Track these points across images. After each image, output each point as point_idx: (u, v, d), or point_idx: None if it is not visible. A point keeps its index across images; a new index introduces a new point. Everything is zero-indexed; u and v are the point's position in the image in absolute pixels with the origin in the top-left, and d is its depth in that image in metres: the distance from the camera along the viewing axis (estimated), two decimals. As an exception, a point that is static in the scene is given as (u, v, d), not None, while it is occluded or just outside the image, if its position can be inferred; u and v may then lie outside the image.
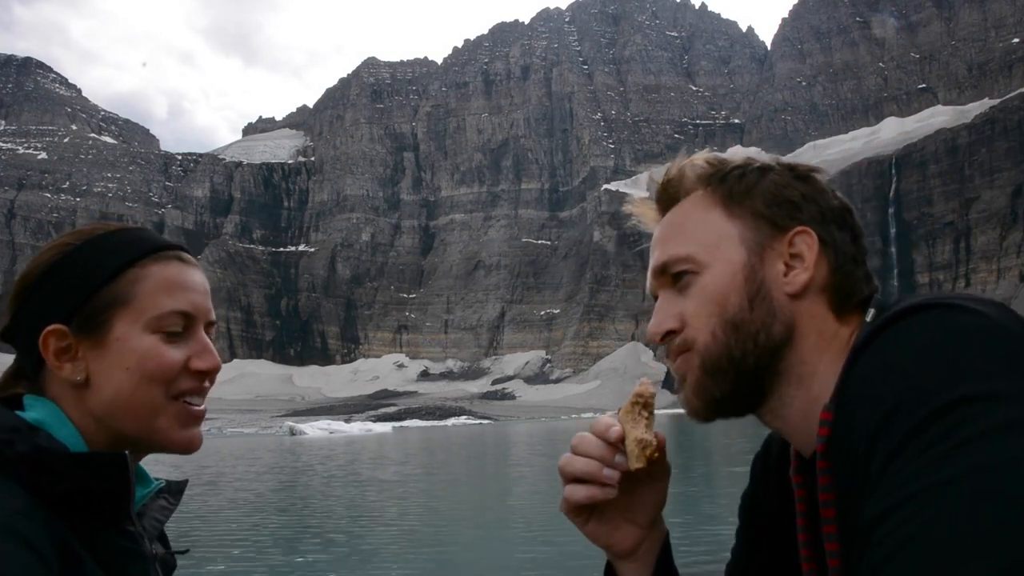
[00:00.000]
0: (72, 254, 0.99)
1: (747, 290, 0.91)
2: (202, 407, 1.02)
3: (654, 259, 0.98)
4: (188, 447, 1.00)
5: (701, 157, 1.00)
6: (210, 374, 1.01)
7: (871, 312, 0.88)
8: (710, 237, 0.94)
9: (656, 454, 0.92)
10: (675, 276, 0.95)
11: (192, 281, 1.02)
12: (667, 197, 1.01)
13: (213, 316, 1.05)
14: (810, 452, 0.90)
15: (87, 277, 0.98)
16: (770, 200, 0.94)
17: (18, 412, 0.94)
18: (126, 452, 0.92)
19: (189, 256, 1.05)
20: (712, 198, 0.96)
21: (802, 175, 0.96)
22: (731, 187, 0.96)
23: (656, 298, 0.99)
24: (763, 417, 0.94)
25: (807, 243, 0.91)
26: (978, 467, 0.60)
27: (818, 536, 0.87)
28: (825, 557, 0.82)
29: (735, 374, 0.90)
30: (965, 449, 0.62)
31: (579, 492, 0.94)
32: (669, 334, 0.94)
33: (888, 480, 0.65)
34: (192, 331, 1.01)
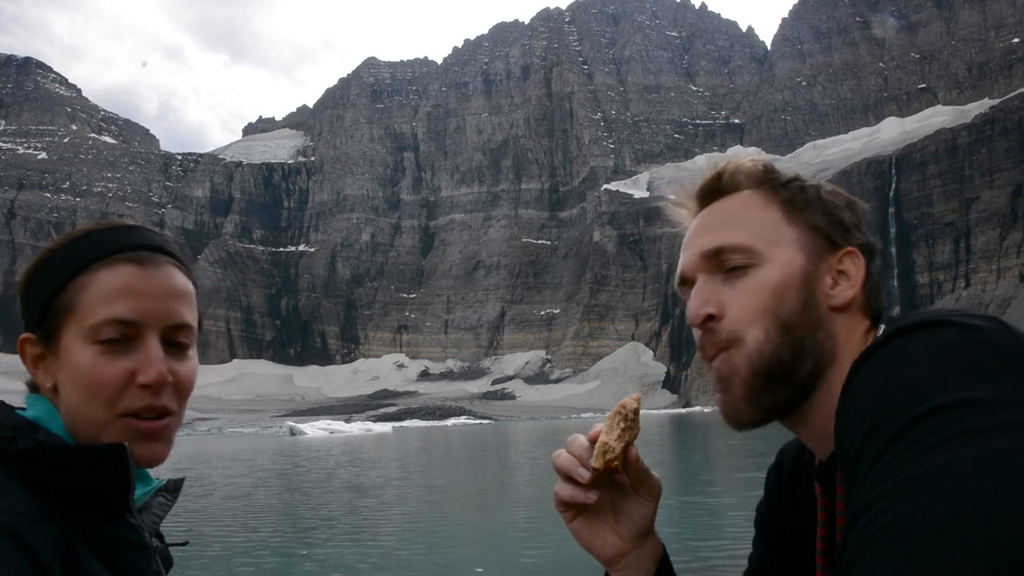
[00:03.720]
0: (44, 260, 0.98)
1: (802, 294, 0.92)
2: (159, 422, 0.96)
3: (703, 242, 0.97)
4: (142, 464, 0.96)
5: (756, 160, 1.03)
6: (153, 388, 0.94)
7: (882, 328, 0.93)
8: (769, 234, 0.95)
9: (616, 462, 0.94)
10: (727, 263, 0.95)
11: (143, 285, 0.95)
12: (715, 189, 1.02)
13: (179, 320, 0.98)
14: (824, 457, 0.94)
15: (47, 285, 0.97)
16: (829, 218, 0.96)
17: (19, 410, 0.96)
18: (126, 444, 0.91)
19: (153, 256, 0.98)
20: (769, 198, 0.98)
21: (849, 201, 0.99)
22: (792, 194, 0.98)
23: (685, 282, 1.00)
24: (793, 428, 0.95)
25: (856, 263, 0.95)
26: (958, 461, 0.62)
27: (834, 543, 0.89)
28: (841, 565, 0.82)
29: (785, 379, 0.90)
30: (946, 446, 0.64)
31: (564, 490, 0.99)
32: (708, 319, 0.94)
33: (871, 478, 0.68)
34: (139, 340, 0.95)
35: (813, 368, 0.90)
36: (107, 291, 0.94)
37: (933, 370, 0.71)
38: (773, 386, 0.90)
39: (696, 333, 0.96)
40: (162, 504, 1.03)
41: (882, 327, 0.93)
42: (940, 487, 0.61)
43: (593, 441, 0.97)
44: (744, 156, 0.99)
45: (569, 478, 0.98)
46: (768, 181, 0.99)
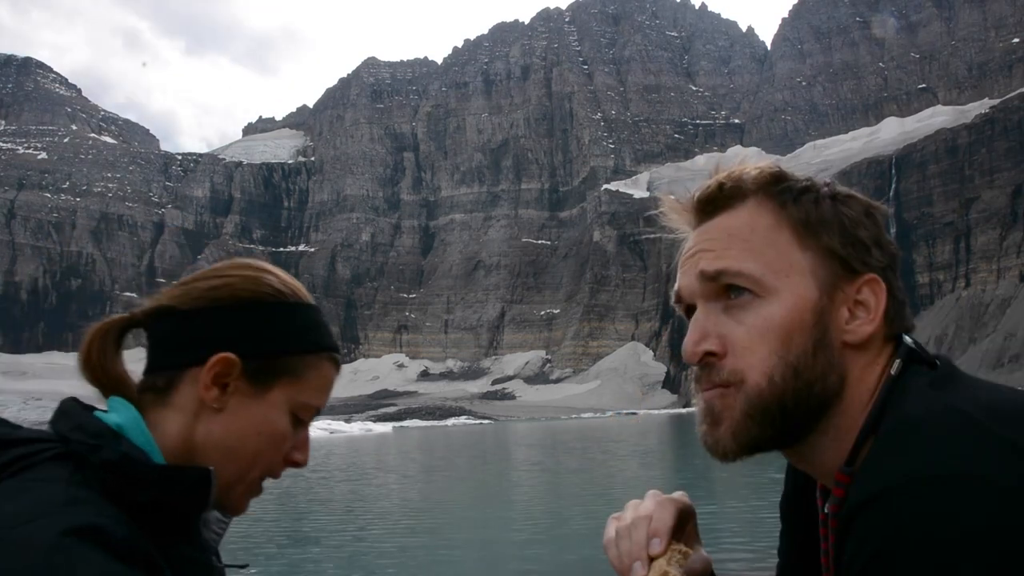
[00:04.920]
0: (286, 306, 1.00)
1: (814, 333, 0.83)
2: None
3: (704, 263, 0.87)
4: (236, 513, 1.02)
5: (763, 166, 0.90)
6: (297, 466, 1.03)
7: (897, 364, 0.84)
8: (780, 262, 0.84)
9: None
10: (730, 289, 0.85)
11: (332, 384, 1.05)
12: (718, 200, 0.90)
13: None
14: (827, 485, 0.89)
15: (290, 337, 0.99)
16: (845, 238, 0.85)
17: (97, 413, 0.94)
18: (211, 468, 0.93)
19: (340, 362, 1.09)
20: (780, 217, 0.86)
21: (869, 211, 0.88)
22: (806, 212, 0.86)
23: (682, 304, 0.90)
24: (788, 456, 0.90)
25: (876, 293, 0.85)
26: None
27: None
28: None
29: (781, 421, 0.83)
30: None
31: None
32: (708, 355, 0.85)
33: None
34: (305, 424, 1.04)
35: (811, 408, 0.83)
36: (324, 382, 1.03)
37: (929, 457, 0.70)
38: (764, 425, 0.84)
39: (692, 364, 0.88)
40: (219, 521, 1.04)
41: (897, 362, 0.84)
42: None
43: (651, 553, 0.90)
44: (747, 157, 0.91)
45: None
46: (778, 194, 0.87)
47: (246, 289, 0.98)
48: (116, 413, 0.94)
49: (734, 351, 0.83)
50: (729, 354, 0.84)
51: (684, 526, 0.93)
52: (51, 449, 0.87)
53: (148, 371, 0.98)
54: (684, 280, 0.89)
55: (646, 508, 0.93)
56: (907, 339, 0.87)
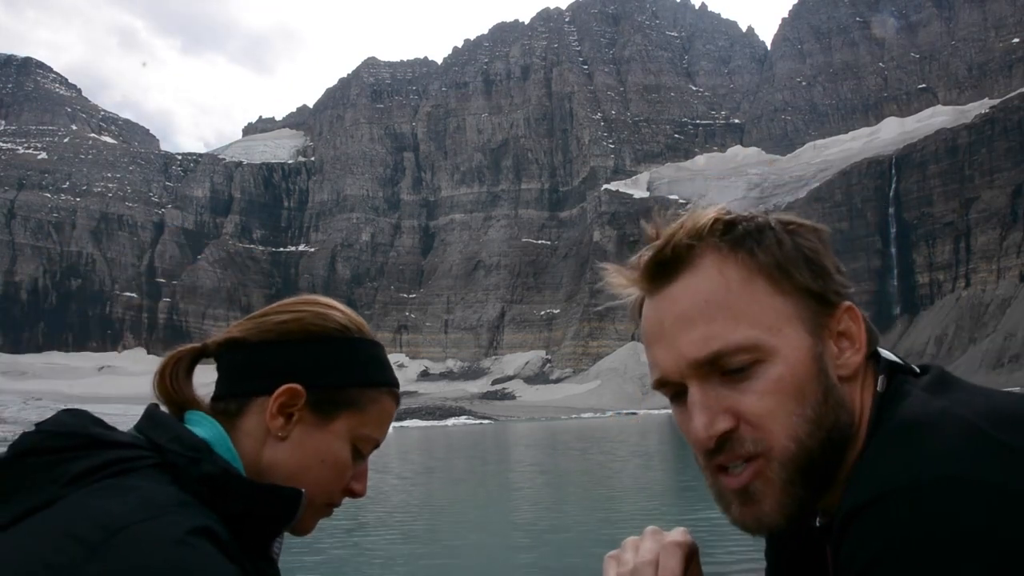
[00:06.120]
0: (350, 341, 1.06)
1: (820, 380, 0.80)
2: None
3: (692, 346, 0.80)
4: (303, 534, 1.06)
5: (711, 213, 0.84)
6: (357, 496, 1.10)
7: (881, 379, 0.83)
8: (767, 317, 0.79)
9: None
10: (728, 366, 0.79)
11: (392, 420, 1.12)
12: (676, 260, 0.83)
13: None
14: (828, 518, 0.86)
15: (354, 371, 1.05)
16: (814, 271, 0.82)
17: (187, 425, 0.98)
18: (303, 490, 0.98)
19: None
20: (750, 267, 0.81)
21: (819, 235, 0.84)
22: (774, 255, 0.81)
23: (666, 385, 0.86)
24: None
25: (855, 320, 0.83)
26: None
27: None
28: None
29: (817, 476, 0.80)
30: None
31: None
32: (725, 435, 0.80)
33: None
34: (365, 457, 1.10)
35: (834, 455, 0.80)
36: (384, 416, 1.09)
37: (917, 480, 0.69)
38: (806, 488, 0.79)
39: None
40: (277, 541, 1.05)
41: (880, 377, 0.83)
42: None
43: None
44: (747, 156, 1.18)
45: None
46: (740, 241, 0.81)
47: (314, 324, 1.03)
48: (200, 428, 0.98)
49: (748, 421, 0.79)
50: (743, 423, 0.80)
51: (687, 566, 0.89)
52: (150, 458, 0.89)
53: (217, 397, 1.03)
54: (666, 363, 0.84)
55: (649, 551, 0.88)
56: (884, 352, 0.85)
